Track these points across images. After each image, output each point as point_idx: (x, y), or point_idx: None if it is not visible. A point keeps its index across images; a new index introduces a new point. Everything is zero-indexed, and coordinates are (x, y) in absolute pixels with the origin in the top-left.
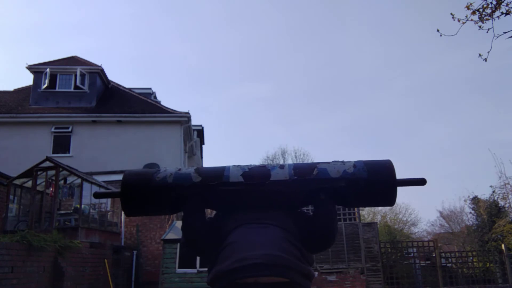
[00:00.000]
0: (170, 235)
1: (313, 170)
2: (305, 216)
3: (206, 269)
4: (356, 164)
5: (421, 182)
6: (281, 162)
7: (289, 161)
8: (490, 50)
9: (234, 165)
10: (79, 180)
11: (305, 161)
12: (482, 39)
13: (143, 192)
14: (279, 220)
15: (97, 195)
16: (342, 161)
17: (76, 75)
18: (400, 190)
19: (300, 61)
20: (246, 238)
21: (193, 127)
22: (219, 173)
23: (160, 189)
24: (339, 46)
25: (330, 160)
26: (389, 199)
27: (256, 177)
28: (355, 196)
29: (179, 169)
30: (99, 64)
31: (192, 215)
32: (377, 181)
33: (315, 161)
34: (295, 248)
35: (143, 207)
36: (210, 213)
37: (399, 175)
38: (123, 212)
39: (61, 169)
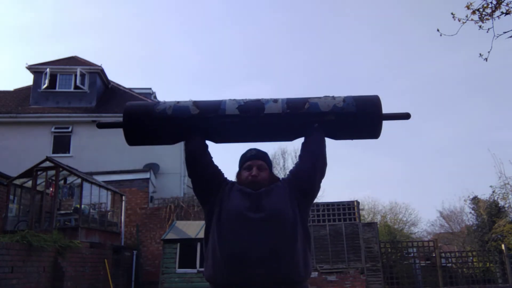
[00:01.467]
0: (170, 235)
1: (305, 104)
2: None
3: (204, 269)
4: (346, 99)
5: (405, 116)
6: (281, 163)
7: (289, 161)
8: (491, 49)
9: (230, 99)
10: (79, 180)
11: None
12: (482, 39)
13: (144, 122)
14: (278, 203)
15: (100, 125)
16: (333, 96)
17: (76, 75)
18: (400, 190)
19: (301, 60)
20: (243, 246)
21: None
22: (216, 106)
23: (160, 119)
24: (339, 46)
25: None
26: (375, 132)
27: (251, 110)
28: (343, 128)
29: (178, 102)
30: (99, 64)
31: (192, 139)
32: (364, 115)
33: None
34: (295, 247)
35: (144, 137)
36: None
37: (399, 174)
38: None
39: (61, 169)
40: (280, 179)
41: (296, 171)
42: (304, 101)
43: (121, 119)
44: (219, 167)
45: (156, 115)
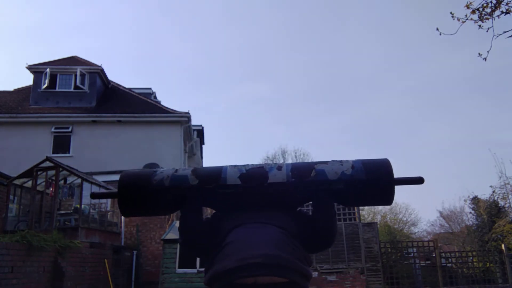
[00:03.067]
0: (170, 235)
1: (311, 172)
2: (305, 216)
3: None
4: (354, 165)
5: (419, 181)
6: (281, 162)
7: (289, 160)
8: (490, 49)
9: (231, 166)
10: (79, 180)
11: (305, 161)
12: (483, 38)
13: (140, 193)
14: (278, 219)
15: (94, 196)
16: (340, 162)
17: (76, 75)
18: (400, 190)
19: (300, 61)
20: (244, 237)
21: (193, 127)
22: (216, 174)
23: (157, 191)
24: (339, 45)
25: (329, 160)
26: (387, 198)
27: (254, 179)
28: (353, 196)
29: (176, 170)
30: (99, 64)
31: (190, 215)
32: (375, 181)
33: (315, 159)
34: (294, 247)
35: (140, 208)
36: (209, 212)
37: (399, 174)
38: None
39: (61, 169)
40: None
41: (304, 237)
42: (310, 167)
43: (121, 119)
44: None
45: (153, 186)
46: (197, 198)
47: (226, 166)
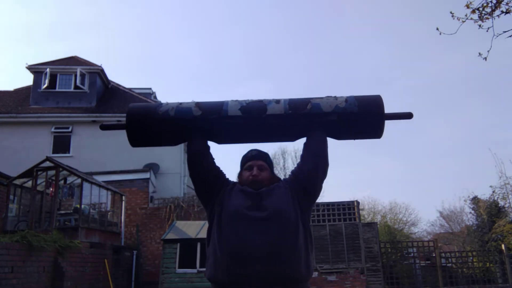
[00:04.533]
0: (170, 235)
1: (307, 105)
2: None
3: (205, 269)
4: (348, 99)
5: (408, 116)
6: (282, 163)
7: (289, 161)
8: (490, 49)
9: (233, 100)
10: (79, 180)
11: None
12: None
13: (147, 123)
14: (279, 203)
15: (103, 127)
16: (335, 96)
17: (76, 75)
18: (400, 190)
19: (301, 60)
20: (244, 243)
21: None
22: (218, 107)
23: (163, 121)
24: (340, 45)
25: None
26: (377, 132)
27: (253, 111)
28: (345, 128)
29: (181, 103)
30: (99, 64)
31: (196, 140)
32: (366, 114)
33: None
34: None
35: (147, 138)
36: None
37: (399, 174)
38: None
39: (61, 169)
40: (281, 179)
41: (297, 171)
42: (306, 101)
43: (121, 119)
44: (221, 168)
45: (159, 116)
46: (201, 128)
47: (228, 101)
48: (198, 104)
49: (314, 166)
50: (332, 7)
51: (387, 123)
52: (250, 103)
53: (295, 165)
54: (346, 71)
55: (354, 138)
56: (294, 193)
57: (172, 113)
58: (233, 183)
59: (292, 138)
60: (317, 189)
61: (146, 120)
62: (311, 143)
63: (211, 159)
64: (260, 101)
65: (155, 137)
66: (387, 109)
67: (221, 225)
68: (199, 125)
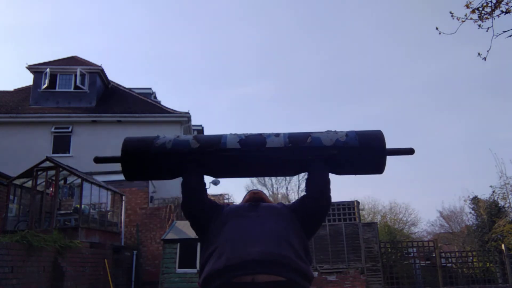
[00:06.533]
0: (170, 235)
1: (307, 139)
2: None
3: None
4: (349, 134)
5: (409, 152)
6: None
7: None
8: (490, 49)
9: (231, 133)
10: (79, 180)
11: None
12: (484, 38)
13: (142, 157)
14: (278, 209)
15: (98, 160)
16: (335, 131)
17: (76, 75)
18: (400, 190)
19: (303, 60)
20: (242, 232)
21: (193, 127)
22: (217, 140)
23: (159, 155)
24: (341, 45)
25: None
26: (379, 167)
27: (252, 144)
28: (346, 163)
29: (178, 136)
30: (99, 64)
31: (192, 177)
32: (368, 150)
33: None
34: (295, 243)
35: (143, 172)
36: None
37: (399, 174)
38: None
39: (61, 169)
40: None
41: (300, 206)
42: (306, 135)
43: (121, 119)
44: (214, 201)
45: (155, 150)
46: (198, 162)
47: (226, 134)
48: (196, 137)
49: (317, 205)
50: (334, 6)
51: (390, 123)
52: (249, 136)
53: (298, 200)
54: (347, 72)
55: (355, 174)
56: (294, 217)
57: (169, 146)
58: (228, 203)
59: (291, 172)
60: (317, 226)
61: (142, 154)
62: (313, 181)
63: (206, 194)
64: (260, 135)
65: (151, 172)
66: (390, 109)
67: (221, 225)
68: (197, 158)
